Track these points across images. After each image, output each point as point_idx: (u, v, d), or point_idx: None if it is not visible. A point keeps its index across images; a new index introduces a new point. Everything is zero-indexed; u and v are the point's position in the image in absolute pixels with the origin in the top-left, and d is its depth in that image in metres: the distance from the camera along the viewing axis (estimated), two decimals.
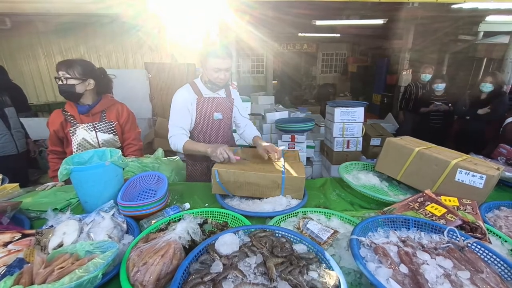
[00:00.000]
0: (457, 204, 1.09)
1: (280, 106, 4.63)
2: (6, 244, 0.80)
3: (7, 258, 0.75)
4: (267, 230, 0.87)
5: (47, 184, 1.46)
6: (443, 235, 0.85)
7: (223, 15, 3.29)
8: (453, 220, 0.94)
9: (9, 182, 1.42)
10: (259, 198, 1.23)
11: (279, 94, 7.74)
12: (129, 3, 3.46)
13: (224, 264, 0.71)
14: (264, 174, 1.19)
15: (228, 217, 1.08)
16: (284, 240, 0.83)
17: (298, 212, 1.11)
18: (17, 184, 1.37)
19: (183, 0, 3.25)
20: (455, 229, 0.85)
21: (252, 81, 8.60)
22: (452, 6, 4.14)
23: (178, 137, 1.48)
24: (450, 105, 3.42)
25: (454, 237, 0.84)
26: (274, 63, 8.25)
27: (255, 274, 0.70)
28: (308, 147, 3.18)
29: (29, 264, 0.72)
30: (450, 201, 1.11)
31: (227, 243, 0.78)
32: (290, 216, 1.10)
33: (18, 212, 1.09)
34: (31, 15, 4.15)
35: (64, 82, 1.48)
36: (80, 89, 1.52)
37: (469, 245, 0.80)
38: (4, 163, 1.61)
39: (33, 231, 0.88)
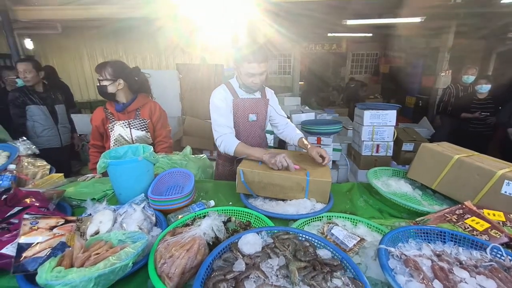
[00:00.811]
0: (503, 219, 0.98)
1: (307, 108, 4.54)
2: (51, 228, 0.88)
3: (52, 241, 0.82)
4: (290, 232, 0.86)
5: (87, 175, 1.59)
6: (485, 252, 0.77)
7: (251, 16, 3.32)
8: (498, 236, 0.85)
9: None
10: (283, 200, 1.22)
11: (306, 95, 7.60)
12: (163, 8, 3.66)
13: (246, 264, 0.71)
14: (288, 176, 1.18)
15: (251, 216, 1.09)
16: (308, 244, 0.81)
17: (322, 217, 1.09)
18: (62, 174, 1.51)
19: (213, 3, 3.34)
20: (500, 246, 0.77)
21: (278, 82, 8.57)
22: (502, 1, 3.76)
23: (228, 139, 1.42)
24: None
25: (499, 256, 0.76)
26: (301, 64, 8.12)
27: (277, 276, 0.70)
28: (334, 150, 3.08)
29: (70, 248, 0.79)
30: (494, 215, 1.00)
31: (250, 242, 0.78)
32: (314, 220, 1.08)
33: (62, 200, 1.21)
34: (78, 20, 4.57)
35: (99, 83, 1.62)
36: (112, 89, 1.62)
37: None
38: (48, 154, 1.79)
39: (74, 218, 0.96)
